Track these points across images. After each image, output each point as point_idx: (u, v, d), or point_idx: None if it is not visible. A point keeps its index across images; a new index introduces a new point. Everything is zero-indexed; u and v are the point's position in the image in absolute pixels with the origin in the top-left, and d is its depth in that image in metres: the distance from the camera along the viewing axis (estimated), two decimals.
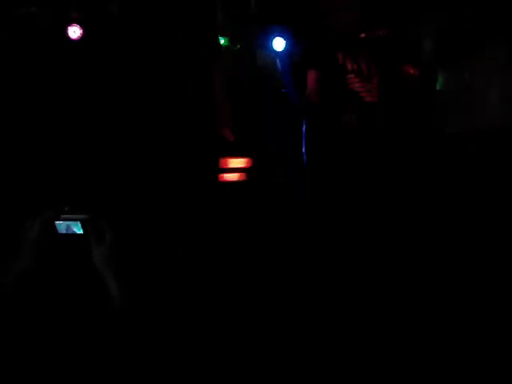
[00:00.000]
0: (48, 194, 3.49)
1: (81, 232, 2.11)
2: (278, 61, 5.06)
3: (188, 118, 4.73)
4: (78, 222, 2.10)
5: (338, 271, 3.69)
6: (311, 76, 4.45)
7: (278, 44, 5.04)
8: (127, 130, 4.39)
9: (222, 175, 4.88)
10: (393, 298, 3.31)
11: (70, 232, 2.09)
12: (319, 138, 4.42)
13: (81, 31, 4.75)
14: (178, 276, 3.32)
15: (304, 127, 4.53)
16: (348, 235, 3.97)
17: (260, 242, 4.13)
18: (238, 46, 5.11)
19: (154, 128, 4.51)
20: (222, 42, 5.13)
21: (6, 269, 2.07)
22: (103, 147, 4.26)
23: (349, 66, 4.24)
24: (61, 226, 2.09)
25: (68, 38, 4.74)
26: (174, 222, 3.85)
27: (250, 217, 4.44)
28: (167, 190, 4.19)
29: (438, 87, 4.18)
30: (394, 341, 2.94)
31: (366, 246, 3.83)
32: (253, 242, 4.12)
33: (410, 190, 4.03)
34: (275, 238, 4.18)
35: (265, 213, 4.48)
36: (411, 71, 4.24)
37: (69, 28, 4.75)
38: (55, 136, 4.25)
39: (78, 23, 4.75)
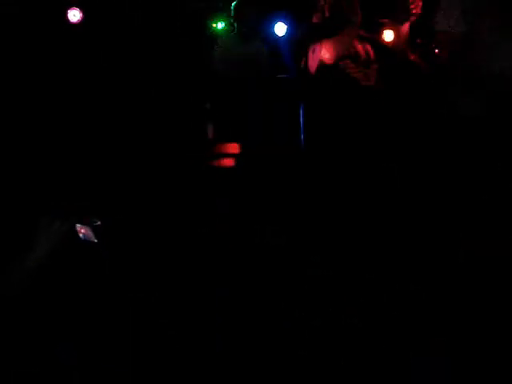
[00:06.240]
0: (56, 193, 3.48)
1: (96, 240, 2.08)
2: (279, 46, 5.01)
3: (184, 109, 4.70)
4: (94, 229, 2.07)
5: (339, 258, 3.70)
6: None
7: (280, 29, 4.98)
8: (130, 126, 4.36)
9: (218, 161, 4.86)
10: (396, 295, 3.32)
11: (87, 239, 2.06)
12: (319, 125, 4.39)
13: (81, 14, 4.67)
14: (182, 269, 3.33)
15: (302, 114, 4.48)
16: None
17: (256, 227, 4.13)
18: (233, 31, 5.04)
19: (154, 121, 4.48)
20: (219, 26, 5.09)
21: (21, 261, 2.05)
22: (103, 141, 4.23)
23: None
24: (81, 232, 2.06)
25: (67, 21, 4.66)
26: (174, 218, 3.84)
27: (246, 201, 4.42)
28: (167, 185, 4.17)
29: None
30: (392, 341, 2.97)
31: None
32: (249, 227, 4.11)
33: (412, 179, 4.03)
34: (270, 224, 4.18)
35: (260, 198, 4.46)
36: (412, 56, 4.23)
37: (68, 11, 4.67)
38: (62, 135, 4.22)
39: (78, 6, 4.67)
